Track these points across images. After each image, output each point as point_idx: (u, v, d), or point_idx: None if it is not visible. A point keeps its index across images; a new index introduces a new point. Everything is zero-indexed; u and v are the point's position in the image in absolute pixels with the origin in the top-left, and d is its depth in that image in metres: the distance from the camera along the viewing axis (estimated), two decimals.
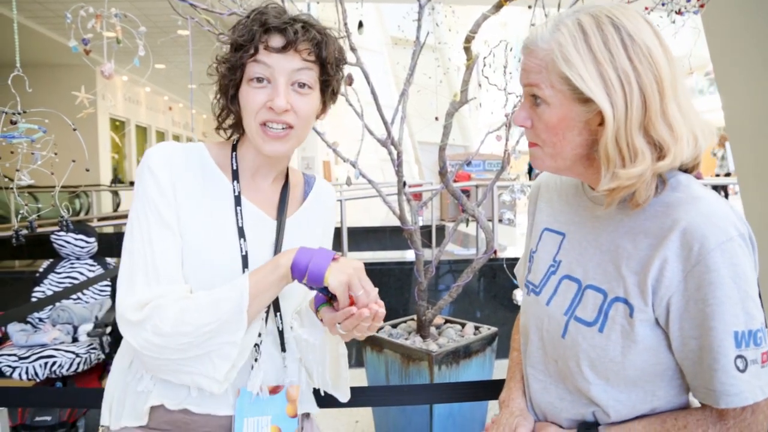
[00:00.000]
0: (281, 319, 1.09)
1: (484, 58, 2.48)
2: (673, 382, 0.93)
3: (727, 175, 11.36)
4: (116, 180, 12.51)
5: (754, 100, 2.67)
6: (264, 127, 1.01)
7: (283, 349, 1.10)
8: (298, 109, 1.01)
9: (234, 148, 1.12)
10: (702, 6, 2.30)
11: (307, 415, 1.19)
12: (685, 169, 0.93)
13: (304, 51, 1.00)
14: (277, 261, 0.98)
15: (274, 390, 1.06)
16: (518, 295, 2.79)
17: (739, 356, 0.82)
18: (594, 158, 0.92)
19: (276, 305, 1.09)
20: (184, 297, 0.96)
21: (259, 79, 1.00)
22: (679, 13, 2.32)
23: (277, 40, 0.99)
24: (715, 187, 11.16)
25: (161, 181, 1.01)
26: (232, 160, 1.10)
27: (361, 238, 7.16)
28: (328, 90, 1.09)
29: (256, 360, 1.05)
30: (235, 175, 1.08)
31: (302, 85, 1.02)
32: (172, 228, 1.00)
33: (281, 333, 1.10)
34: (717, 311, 0.83)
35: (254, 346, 1.04)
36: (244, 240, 1.05)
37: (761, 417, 0.85)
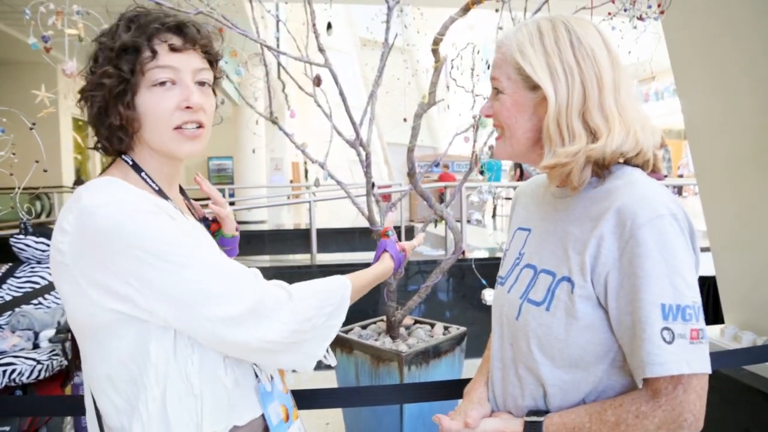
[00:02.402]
0: None
1: (452, 60, 2.50)
2: (615, 364, 0.96)
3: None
4: (79, 181, 12.12)
5: (713, 103, 2.75)
6: (179, 130, 0.98)
7: None
8: (206, 108, 1.01)
9: (136, 167, 1.02)
10: (662, 12, 2.36)
11: None
12: (638, 166, 1.00)
13: (201, 49, 1.01)
14: (384, 270, 1.31)
15: (270, 377, 1.11)
16: (486, 295, 2.82)
17: (666, 328, 0.86)
18: (543, 144, 1.01)
19: None
20: (304, 285, 1.05)
21: (162, 83, 0.96)
22: (640, 18, 2.39)
23: (177, 40, 0.97)
24: (679, 189, 11.51)
25: (158, 213, 0.93)
26: (148, 182, 1.01)
27: (330, 239, 7.14)
28: (215, 89, 1.10)
29: None
30: (162, 194, 1.02)
31: (202, 84, 1.01)
32: (203, 241, 1.00)
33: None
34: (645, 283, 0.87)
35: None
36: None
37: (693, 396, 0.87)
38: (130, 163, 1.01)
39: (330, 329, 1.07)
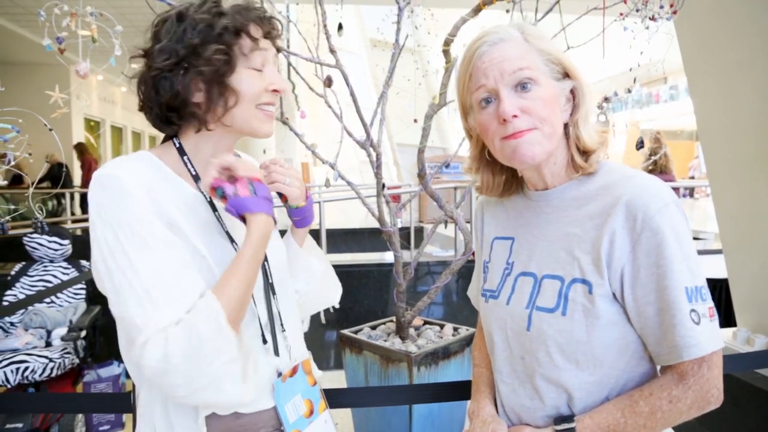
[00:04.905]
0: (277, 300, 1.11)
1: None
2: (636, 355, 0.97)
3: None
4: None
5: (726, 103, 2.73)
6: (260, 109, 1.04)
7: (283, 329, 1.11)
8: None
9: (181, 150, 1.05)
10: (675, 12, 2.34)
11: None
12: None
13: (276, 40, 1.09)
14: (260, 235, 0.98)
15: (293, 371, 1.11)
16: None
17: (693, 310, 0.90)
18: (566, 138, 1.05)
19: (272, 289, 1.10)
20: (175, 323, 0.88)
21: (259, 68, 1.03)
22: (652, 19, 2.37)
23: (269, 29, 1.05)
24: (690, 191, 11.36)
25: (142, 202, 0.92)
26: (187, 166, 1.05)
27: (340, 239, 7.15)
28: None
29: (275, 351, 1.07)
30: (198, 179, 1.04)
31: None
32: (156, 247, 0.90)
33: (279, 315, 1.10)
34: (668, 270, 0.90)
35: (263, 342, 1.06)
36: (236, 244, 1.04)
37: (716, 371, 0.92)
38: (177, 146, 1.06)
39: (224, 370, 0.90)
